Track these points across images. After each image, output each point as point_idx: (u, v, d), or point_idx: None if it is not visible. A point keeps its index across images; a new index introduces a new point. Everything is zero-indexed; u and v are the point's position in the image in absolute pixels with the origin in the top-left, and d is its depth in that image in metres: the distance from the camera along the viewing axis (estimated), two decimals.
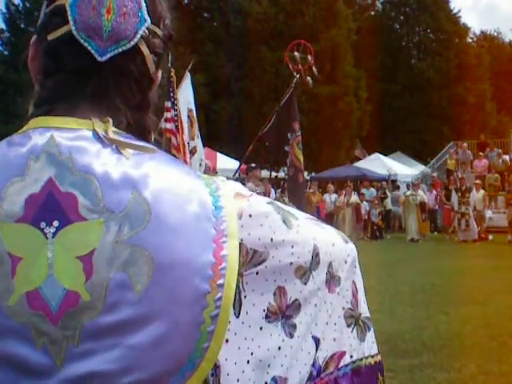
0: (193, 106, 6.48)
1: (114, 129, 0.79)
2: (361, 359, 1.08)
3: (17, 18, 27.87)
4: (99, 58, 0.79)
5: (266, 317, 0.90)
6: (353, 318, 1.07)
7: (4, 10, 28.11)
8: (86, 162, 0.74)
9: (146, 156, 0.79)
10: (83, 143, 0.76)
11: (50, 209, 0.72)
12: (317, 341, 1.00)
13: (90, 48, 0.78)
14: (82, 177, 0.73)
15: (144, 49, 0.81)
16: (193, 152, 6.46)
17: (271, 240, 0.88)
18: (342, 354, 1.04)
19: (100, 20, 0.78)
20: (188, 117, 6.30)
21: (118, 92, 0.81)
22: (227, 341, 0.83)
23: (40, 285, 0.70)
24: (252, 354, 0.88)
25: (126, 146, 0.78)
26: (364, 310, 1.10)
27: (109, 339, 0.70)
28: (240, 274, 0.84)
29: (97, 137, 0.77)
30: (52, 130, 0.77)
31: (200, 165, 6.54)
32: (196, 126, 6.49)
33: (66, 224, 0.71)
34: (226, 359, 0.84)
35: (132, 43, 0.80)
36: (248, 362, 0.88)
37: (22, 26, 27.04)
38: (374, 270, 10.47)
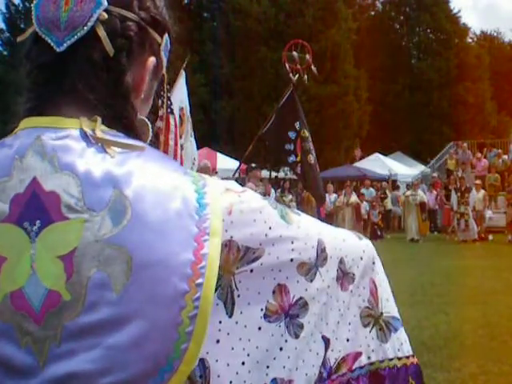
0: (185, 105, 6.45)
1: (102, 127, 0.79)
2: (382, 361, 1.04)
3: (17, 18, 27.85)
4: (58, 49, 0.79)
5: (265, 316, 0.88)
6: (371, 318, 1.04)
7: (4, 10, 28.13)
8: (69, 160, 0.74)
9: (132, 154, 0.78)
10: (68, 142, 0.76)
11: (34, 208, 0.72)
12: (327, 341, 0.96)
13: (49, 41, 0.79)
14: (66, 175, 0.73)
15: (101, 32, 0.79)
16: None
17: (266, 236, 0.85)
18: (357, 354, 1.01)
19: (58, 12, 0.79)
20: (179, 115, 6.29)
21: (82, 81, 0.80)
22: (218, 341, 0.82)
23: (23, 284, 0.70)
24: (248, 355, 0.86)
25: (111, 145, 0.77)
26: (388, 309, 1.06)
27: (89, 339, 0.69)
28: (231, 273, 0.83)
29: (83, 135, 0.77)
30: (39, 130, 0.77)
31: (193, 164, 6.52)
32: (188, 125, 6.46)
33: (48, 223, 0.71)
34: (217, 360, 0.82)
35: (86, 28, 0.79)
36: (243, 363, 0.85)
37: (22, 26, 27.01)
38: None
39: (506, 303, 7.13)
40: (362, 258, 1.03)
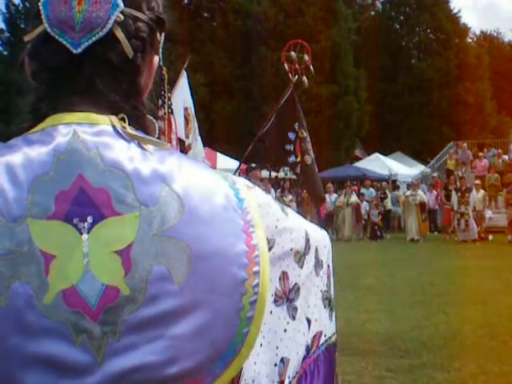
0: (189, 105, 6.46)
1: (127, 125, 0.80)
2: (330, 337, 1.15)
3: (17, 18, 27.87)
4: (74, 51, 0.78)
5: (275, 301, 0.96)
6: (327, 300, 1.15)
7: (4, 10, 28.16)
8: (113, 157, 0.75)
9: (165, 151, 0.80)
10: (107, 138, 0.76)
11: (83, 205, 0.72)
12: (309, 322, 1.06)
13: (64, 42, 0.78)
14: (113, 172, 0.74)
15: (119, 34, 0.79)
16: (186, 150, 6.47)
17: (276, 227, 0.92)
18: (321, 333, 1.11)
19: (72, 13, 0.78)
20: (184, 116, 6.29)
21: (103, 82, 0.80)
22: None
23: (76, 282, 0.69)
24: (264, 337, 0.93)
25: (146, 142, 0.79)
26: (333, 291, 1.19)
27: (151, 331, 0.70)
28: None
29: (117, 132, 0.78)
30: (73, 126, 0.77)
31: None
32: (193, 124, 6.48)
33: (100, 219, 0.72)
34: None
35: (105, 30, 0.78)
36: (261, 344, 0.92)
37: (22, 26, 27.02)
38: (374, 270, 10.47)
39: (506, 303, 7.13)
40: (325, 246, 1.14)
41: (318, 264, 1.10)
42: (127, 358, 0.69)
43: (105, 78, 0.80)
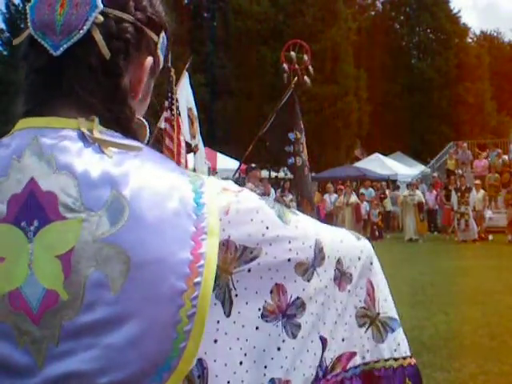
0: (192, 105, 6.48)
1: (100, 127, 0.79)
2: (377, 361, 1.03)
3: (17, 18, 27.85)
4: (54, 53, 0.79)
5: (263, 316, 0.88)
6: (367, 318, 1.04)
7: (4, 10, 28.16)
8: (66, 160, 0.74)
9: (129, 154, 0.78)
10: (66, 142, 0.76)
11: (31, 208, 0.72)
12: (324, 341, 0.96)
13: (46, 45, 0.79)
14: (63, 175, 0.73)
15: (97, 36, 0.79)
16: (194, 150, 6.49)
17: (263, 235, 0.85)
18: (352, 354, 1.01)
19: (53, 15, 0.79)
20: (188, 116, 6.31)
21: (80, 85, 0.80)
22: (216, 341, 0.82)
23: (21, 284, 0.70)
24: (246, 354, 0.85)
25: (109, 145, 0.77)
26: (385, 309, 1.07)
27: (87, 339, 0.69)
28: (229, 272, 0.83)
29: (81, 136, 0.77)
30: (36, 130, 0.77)
31: (205, 162, 6.56)
32: (197, 124, 6.50)
33: (46, 223, 0.71)
34: (215, 360, 0.82)
35: (82, 32, 0.78)
36: (241, 363, 0.85)
37: (22, 26, 26.95)
38: None
39: (506, 303, 7.12)
40: (359, 259, 1.03)
41: (343, 277, 1.00)
42: (65, 364, 0.69)
43: (84, 81, 0.80)
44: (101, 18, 0.79)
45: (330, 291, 0.97)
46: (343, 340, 1.00)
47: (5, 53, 27.77)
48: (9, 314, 0.69)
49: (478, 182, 17.59)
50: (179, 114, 5.53)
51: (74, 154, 0.75)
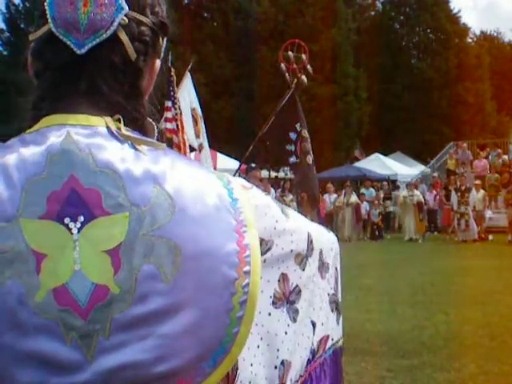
0: (196, 105, 6.50)
1: (123, 126, 0.81)
2: (337, 341, 1.15)
3: (17, 18, 27.87)
4: (78, 51, 0.79)
5: (273, 303, 0.95)
6: (335, 304, 1.15)
7: (4, 10, 28.17)
8: (105, 158, 0.76)
9: (160, 152, 0.81)
10: (100, 140, 0.77)
11: (74, 205, 0.73)
12: (314, 325, 1.05)
13: (69, 43, 0.79)
14: (104, 173, 0.74)
15: (123, 37, 0.81)
16: (200, 149, 6.53)
17: (274, 229, 0.91)
18: (328, 337, 1.11)
19: (77, 14, 0.79)
20: (192, 116, 6.33)
21: (105, 83, 0.81)
22: None
23: (67, 280, 0.70)
24: (262, 339, 0.92)
25: (140, 143, 0.80)
26: (340, 294, 1.18)
27: (140, 330, 0.71)
28: None
29: (111, 133, 0.79)
30: (67, 127, 0.78)
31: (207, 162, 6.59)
32: (201, 124, 6.53)
33: (91, 219, 0.72)
34: None
35: (109, 32, 0.80)
36: (258, 346, 0.92)
37: (22, 25, 27.02)
38: (374, 270, 10.47)
39: (506, 303, 7.13)
40: (331, 249, 1.14)
41: (323, 267, 1.09)
42: (117, 356, 0.70)
43: (107, 80, 0.81)
44: (126, 20, 0.81)
45: (316, 279, 1.07)
46: (322, 324, 1.09)
47: (5, 53, 27.77)
48: (54, 311, 0.69)
49: (478, 182, 17.59)
50: (181, 114, 5.55)
51: (112, 152, 0.76)
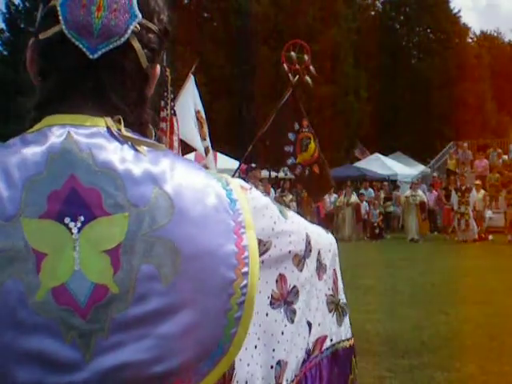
0: (200, 107, 6.50)
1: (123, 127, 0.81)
2: (338, 342, 1.15)
3: (17, 17, 27.89)
4: (91, 56, 0.79)
5: (271, 303, 0.96)
6: (333, 304, 1.15)
7: (4, 10, 28.20)
8: (105, 158, 0.76)
9: (159, 153, 0.81)
10: (100, 140, 0.78)
11: (74, 204, 0.73)
12: (310, 326, 1.06)
13: (81, 46, 0.79)
14: (104, 173, 0.75)
15: (136, 44, 0.81)
16: (206, 152, 6.53)
17: (272, 230, 0.92)
18: (325, 338, 1.11)
19: (90, 18, 0.79)
20: (197, 118, 6.33)
21: (113, 89, 0.82)
22: None
23: (66, 280, 0.71)
24: (259, 339, 0.93)
25: (140, 143, 0.80)
26: (342, 296, 1.18)
27: (139, 330, 0.71)
28: None
29: (111, 134, 0.79)
30: (67, 127, 0.78)
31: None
32: (206, 126, 6.53)
33: (91, 219, 0.73)
34: None
35: (123, 39, 0.80)
36: (255, 346, 0.93)
37: (22, 25, 27.03)
38: (374, 270, 10.47)
39: (506, 303, 7.13)
40: (330, 251, 1.14)
41: (321, 268, 1.09)
42: (115, 356, 0.70)
43: (115, 86, 0.82)
44: (138, 28, 0.81)
45: (313, 280, 1.07)
46: (319, 325, 1.09)
47: (5, 53, 27.78)
48: (54, 310, 0.70)
49: (478, 182, 17.60)
50: (174, 114, 5.53)
51: (112, 152, 0.77)
